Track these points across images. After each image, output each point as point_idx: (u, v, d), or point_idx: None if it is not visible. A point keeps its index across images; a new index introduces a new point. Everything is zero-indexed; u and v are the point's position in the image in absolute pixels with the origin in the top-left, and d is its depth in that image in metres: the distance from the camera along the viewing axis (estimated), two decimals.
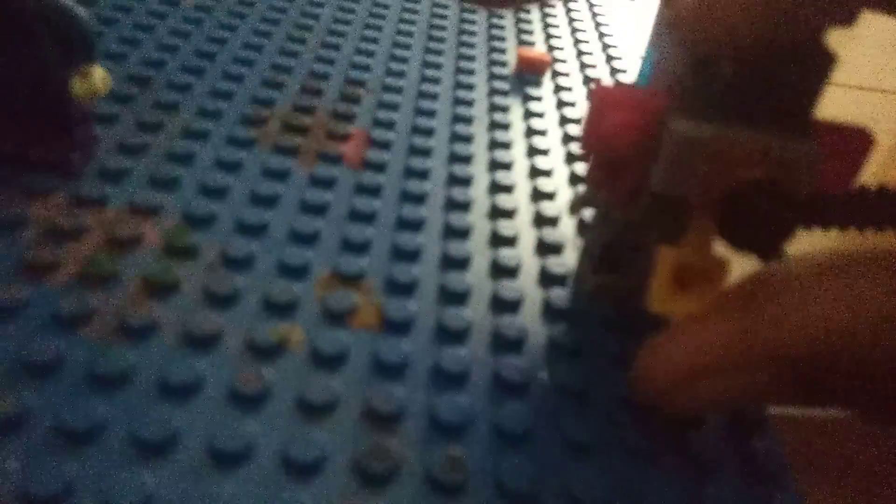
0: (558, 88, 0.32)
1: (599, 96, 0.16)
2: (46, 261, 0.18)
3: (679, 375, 0.14)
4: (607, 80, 0.34)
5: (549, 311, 0.20)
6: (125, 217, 0.20)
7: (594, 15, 0.40)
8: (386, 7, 0.37)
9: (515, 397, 0.17)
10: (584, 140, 0.16)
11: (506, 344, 0.19)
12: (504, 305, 0.20)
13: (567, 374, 0.18)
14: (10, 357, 0.16)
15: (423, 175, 0.25)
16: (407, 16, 0.36)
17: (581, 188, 0.25)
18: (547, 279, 0.21)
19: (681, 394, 0.14)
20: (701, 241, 0.15)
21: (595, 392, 0.18)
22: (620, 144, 0.15)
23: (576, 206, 0.24)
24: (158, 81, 0.27)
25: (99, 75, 0.20)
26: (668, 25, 0.15)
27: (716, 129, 0.14)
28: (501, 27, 0.37)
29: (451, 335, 0.19)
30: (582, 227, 0.24)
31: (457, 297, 0.20)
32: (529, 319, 0.20)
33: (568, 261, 0.22)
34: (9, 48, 0.19)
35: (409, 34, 0.34)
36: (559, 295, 0.20)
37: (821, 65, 0.14)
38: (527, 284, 0.21)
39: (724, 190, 0.15)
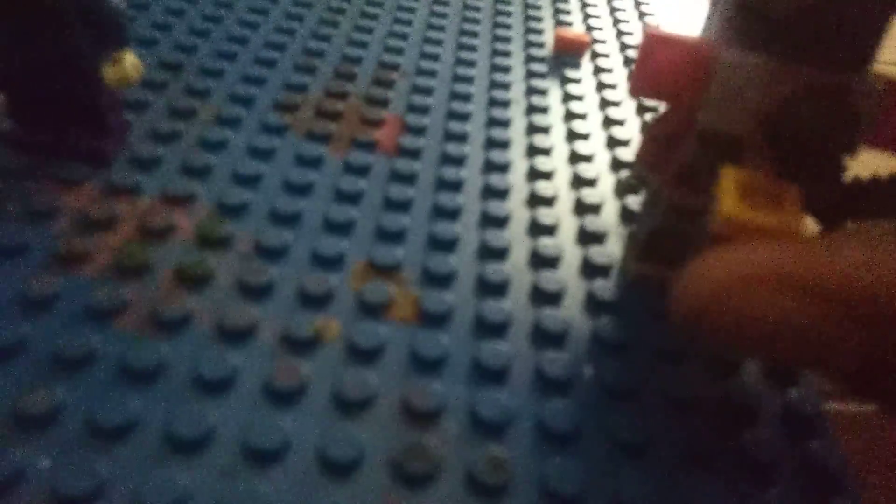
0: (598, 70, 0.31)
1: (649, 38, 0.15)
2: (79, 251, 0.18)
3: (727, 284, 0.11)
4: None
5: (593, 303, 0.19)
6: (158, 206, 0.20)
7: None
8: None
9: (559, 394, 0.17)
10: (633, 83, 0.16)
11: (548, 338, 0.18)
12: (545, 297, 0.19)
13: (614, 370, 0.17)
14: (42, 351, 0.16)
15: (459, 161, 0.24)
16: None
17: (627, 172, 0.24)
18: (590, 269, 0.20)
19: (723, 310, 0.12)
20: (761, 165, 0.14)
21: (644, 389, 0.17)
22: (669, 85, 0.15)
23: (624, 190, 0.23)
24: (190, 67, 0.26)
25: (130, 62, 0.19)
26: None
27: (768, 59, 0.14)
28: (538, 7, 0.36)
29: (491, 328, 0.18)
30: (626, 215, 0.23)
31: (496, 289, 0.19)
32: (572, 312, 0.19)
33: (612, 250, 0.21)
34: (40, 36, 0.19)
35: (443, 15, 0.33)
36: (603, 286, 0.20)
37: (883, 2, 0.13)
38: (568, 275, 0.20)
39: (777, 104, 0.14)
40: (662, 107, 0.18)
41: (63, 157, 0.21)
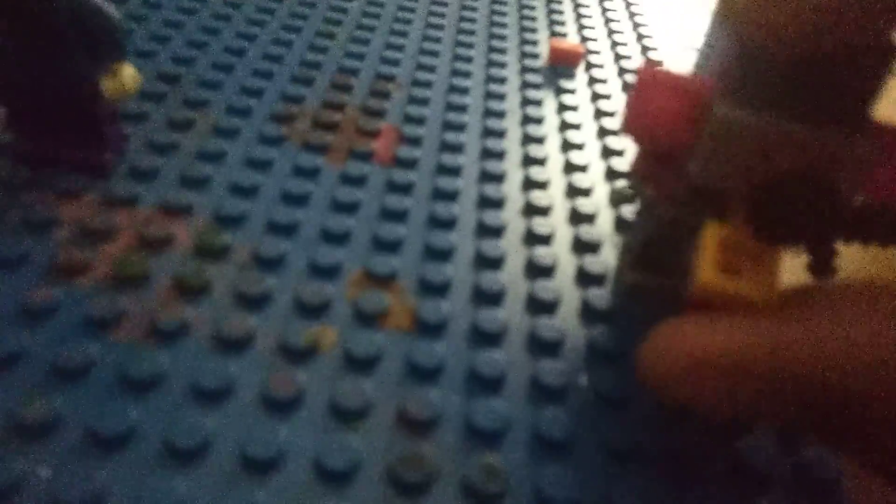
0: (592, 81, 0.31)
1: (644, 78, 0.15)
2: (77, 262, 0.18)
3: (685, 364, 0.13)
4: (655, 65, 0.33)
5: (588, 312, 0.19)
6: (156, 217, 0.20)
7: (628, 4, 0.39)
8: (415, 0, 0.36)
9: (554, 403, 0.17)
10: (626, 124, 0.15)
11: (543, 346, 0.18)
12: (540, 306, 0.19)
13: (608, 379, 0.17)
14: (41, 361, 0.16)
15: (454, 172, 0.24)
16: (436, 8, 0.35)
17: (622, 182, 0.25)
18: (585, 278, 0.21)
19: (681, 385, 0.13)
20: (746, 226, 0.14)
21: (638, 398, 0.17)
22: (662, 130, 0.15)
23: (618, 200, 0.23)
24: (188, 79, 0.27)
25: (128, 74, 0.20)
26: (721, 15, 0.14)
27: (761, 117, 0.13)
28: (533, 18, 0.36)
29: (486, 337, 0.18)
30: (620, 224, 0.23)
31: (491, 298, 0.19)
32: (567, 321, 0.19)
33: (606, 259, 0.21)
34: (39, 49, 0.19)
35: (439, 27, 0.34)
36: (598, 295, 0.20)
37: (880, 61, 0.13)
38: (564, 284, 0.20)
39: (763, 181, 0.14)
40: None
41: (62, 168, 0.21)
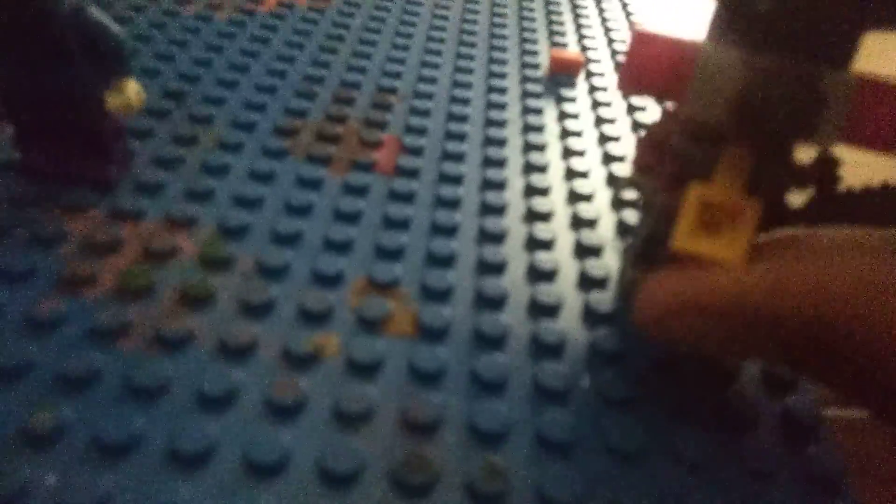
0: (593, 89, 0.31)
1: (638, 35, 0.16)
2: (84, 275, 0.18)
3: (664, 310, 0.14)
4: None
5: (590, 316, 0.19)
6: (161, 229, 0.20)
7: (627, 14, 0.40)
8: (416, 14, 0.36)
9: (557, 404, 0.17)
10: (621, 79, 0.16)
11: (545, 349, 0.18)
12: (542, 310, 0.19)
13: (610, 381, 0.17)
14: (47, 371, 0.16)
15: (456, 180, 0.24)
16: (437, 22, 0.36)
17: (625, 176, 0.25)
18: (587, 282, 0.21)
19: (663, 328, 0.15)
20: (731, 179, 0.15)
21: (641, 399, 0.17)
22: (656, 81, 0.15)
23: (622, 189, 0.23)
24: (193, 96, 0.27)
25: (133, 90, 0.20)
26: None
27: (747, 52, 0.14)
28: (533, 29, 0.36)
29: (489, 341, 0.18)
30: (622, 228, 0.23)
31: (493, 303, 0.19)
32: (569, 324, 0.19)
33: (608, 263, 0.21)
34: (44, 64, 0.19)
35: (440, 40, 0.34)
36: (599, 298, 0.20)
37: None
38: (566, 288, 0.20)
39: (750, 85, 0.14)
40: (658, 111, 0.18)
41: (69, 183, 0.21)
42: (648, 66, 0.15)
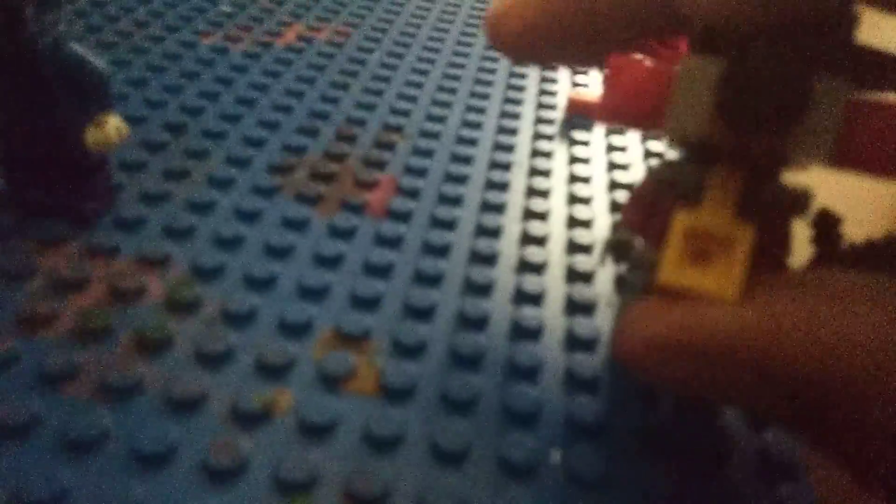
0: (609, 132, 0.30)
1: (612, 64, 0.15)
2: (42, 314, 0.18)
3: (663, 341, 0.12)
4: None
5: (572, 380, 0.18)
6: (132, 268, 0.20)
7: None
8: (436, 51, 0.36)
9: (521, 482, 0.15)
10: (599, 109, 0.15)
11: (516, 418, 0.17)
12: (519, 372, 0.18)
13: (584, 458, 0.16)
14: None
15: (448, 225, 0.23)
16: (456, 59, 0.35)
17: (610, 236, 0.23)
18: (573, 343, 0.19)
19: (644, 365, 0.13)
20: (721, 202, 0.13)
21: (617, 480, 0.16)
22: (634, 107, 0.15)
23: (605, 254, 0.22)
24: (193, 129, 0.27)
25: (113, 125, 0.20)
26: None
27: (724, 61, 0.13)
28: (554, 69, 0.35)
29: (455, 406, 0.17)
30: (620, 284, 0.21)
31: (467, 362, 0.18)
32: (547, 390, 0.18)
33: (599, 324, 0.20)
34: (24, 97, 0.19)
35: (457, 78, 0.33)
36: (584, 361, 0.18)
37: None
38: (549, 348, 0.19)
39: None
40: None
41: (51, 216, 0.21)
42: (625, 93, 0.15)
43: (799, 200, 0.15)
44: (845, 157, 0.13)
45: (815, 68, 0.13)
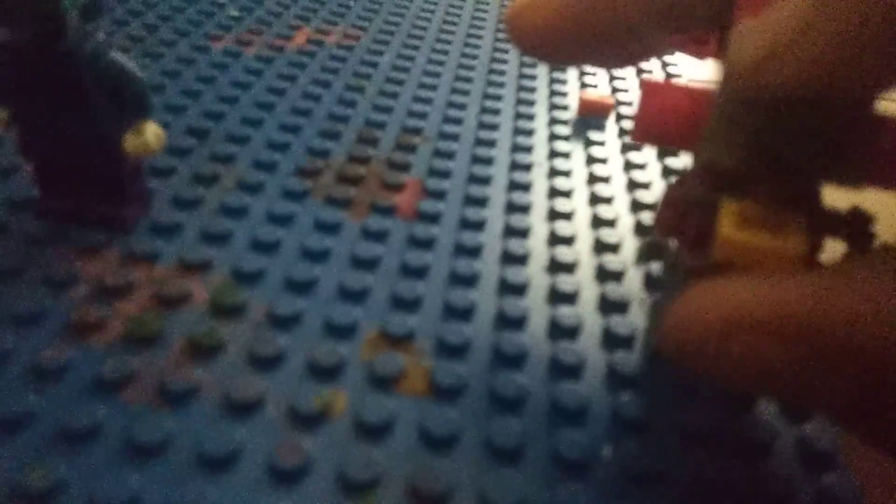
0: (623, 132, 0.31)
1: (647, 85, 0.15)
2: (92, 321, 0.18)
3: (706, 329, 0.11)
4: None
5: (615, 377, 0.18)
6: (174, 274, 0.20)
7: (664, 64, 0.39)
8: (445, 53, 0.36)
9: (575, 478, 0.16)
10: (635, 130, 0.16)
11: (566, 415, 0.17)
12: (563, 370, 0.18)
13: (633, 453, 0.16)
14: (48, 424, 0.15)
15: (478, 226, 0.24)
16: (466, 61, 0.35)
17: (647, 238, 0.24)
18: (612, 340, 0.20)
19: (705, 354, 0.12)
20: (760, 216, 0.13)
21: (667, 475, 0.16)
22: (670, 129, 0.15)
23: (642, 256, 0.22)
24: (217, 134, 0.27)
25: (152, 132, 0.20)
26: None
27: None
28: (563, 70, 0.36)
29: (505, 403, 0.17)
30: (650, 282, 0.22)
31: (512, 361, 0.19)
32: (592, 386, 0.18)
33: (634, 321, 0.20)
34: (62, 106, 0.19)
35: (468, 80, 0.34)
36: (625, 359, 0.19)
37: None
38: (589, 346, 0.19)
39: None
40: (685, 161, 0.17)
41: (86, 224, 0.21)
42: (661, 115, 0.15)
43: (831, 221, 0.15)
44: (883, 175, 0.14)
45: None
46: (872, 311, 0.10)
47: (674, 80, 0.16)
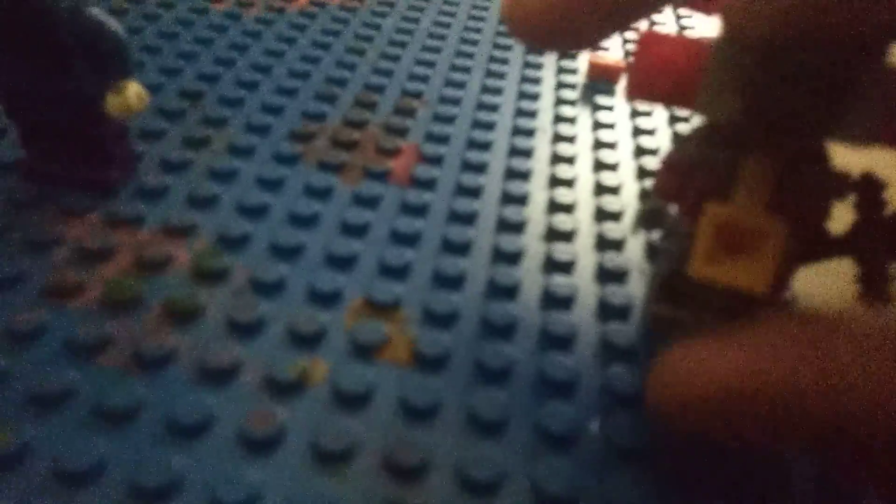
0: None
1: (644, 37, 0.14)
2: (70, 284, 0.17)
3: (708, 390, 0.11)
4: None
5: (608, 349, 0.18)
6: (157, 238, 0.20)
7: (678, 17, 0.37)
8: (451, 15, 0.35)
9: (559, 453, 0.15)
10: (629, 85, 0.15)
11: (553, 387, 0.17)
12: (554, 341, 0.18)
13: (624, 428, 0.16)
14: (18, 387, 0.15)
15: (474, 193, 0.23)
16: (472, 23, 0.34)
17: (644, 204, 0.23)
18: (607, 311, 0.19)
19: (683, 420, 0.12)
20: (753, 193, 0.13)
21: (655, 449, 0.15)
22: (666, 84, 0.14)
23: (639, 224, 0.21)
24: (211, 96, 0.26)
25: (133, 91, 0.19)
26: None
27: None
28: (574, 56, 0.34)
29: (490, 375, 0.17)
30: (651, 251, 0.21)
31: (500, 331, 0.18)
32: (583, 358, 0.17)
33: (631, 291, 0.19)
34: (42, 65, 0.18)
35: (474, 42, 0.33)
36: (619, 330, 0.18)
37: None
38: (582, 317, 0.19)
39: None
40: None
41: (71, 187, 0.20)
42: (657, 69, 0.14)
43: (839, 183, 0.15)
44: (882, 132, 0.13)
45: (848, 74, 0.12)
46: (846, 382, 0.10)
47: (671, 33, 0.15)
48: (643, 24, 0.36)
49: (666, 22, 0.37)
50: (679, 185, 0.16)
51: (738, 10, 0.11)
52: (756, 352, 0.11)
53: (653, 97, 0.15)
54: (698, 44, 0.14)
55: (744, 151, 0.13)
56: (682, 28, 0.36)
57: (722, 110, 0.13)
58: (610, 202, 0.23)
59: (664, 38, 0.14)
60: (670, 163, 0.17)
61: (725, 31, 0.13)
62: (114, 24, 0.19)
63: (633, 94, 0.15)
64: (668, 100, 0.15)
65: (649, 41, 0.14)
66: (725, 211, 0.13)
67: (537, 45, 0.14)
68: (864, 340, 0.11)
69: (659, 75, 0.14)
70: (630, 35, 0.35)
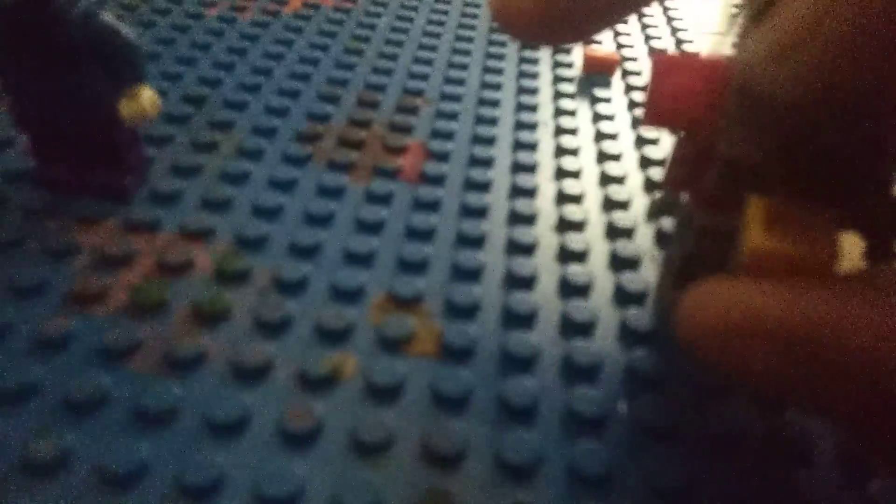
0: (629, 88, 0.30)
1: (659, 64, 0.14)
2: (94, 290, 0.17)
3: (713, 326, 0.11)
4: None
5: (627, 334, 0.18)
6: (176, 241, 0.20)
7: (665, 9, 0.38)
8: (445, 13, 0.35)
9: (591, 435, 0.16)
10: (647, 114, 0.14)
11: (579, 372, 0.17)
12: (576, 328, 0.18)
13: (650, 408, 0.16)
14: (53, 394, 0.15)
15: (483, 187, 0.23)
16: (466, 21, 0.35)
17: (658, 194, 0.23)
18: (623, 298, 0.19)
19: (711, 349, 0.12)
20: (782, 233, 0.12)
21: (684, 427, 0.16)
22: (683, 111, 0.14)
23: (653, 213, 0.22)
24: (214, 101, 0.26)
25: (147, 97, 0.19)
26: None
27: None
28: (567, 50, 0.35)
29: (517, 363, 0.17)
30: (661, 238, 0.21)
31: (522, 320, 0.18)
32: (605, 344, 0.18)
33: (646, 276, 0.20)
34: (55, 71, 0.19)
35: (469, 39, 0.33)
36: (637, 315, 0.18)
37: None
38: (601, 304, 0.19)
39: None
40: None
41: (84, 194, 0.20)
42: (674, 97, 0.14)
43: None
44: None
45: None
46: (885, 329, 0.10)
47: (687, 55, 0.14)
48: (641, 23, 0.37)
49: (654, 14, 0.37)
50: (688, 176, 0.17)
51: (757, 73, 0.11)
52: (802, 293, 0.11)
53: (672, 124, 0.15)
54: (712, 67, 0.14)
55: (767, 192, 0.13)
56: (675, 30, 0.36)
57: (748, 147, 0.13)
58: (616, 191, 0.23)
59: (678, 64, 0.14)
60: (678, 154, 0.17)
61: (741, 87, 0.12)
62: (127, 30, 0.19)
63: (652, 122, 0.14)
64: (688, 127, 0.15)
65: (663, 68, 0.14)
66: (772, 201, 0.12)
67: (527, 40, 0.14)
68: None
69: (676, 104, 0.14)
70: (622, 29, 0.35)
